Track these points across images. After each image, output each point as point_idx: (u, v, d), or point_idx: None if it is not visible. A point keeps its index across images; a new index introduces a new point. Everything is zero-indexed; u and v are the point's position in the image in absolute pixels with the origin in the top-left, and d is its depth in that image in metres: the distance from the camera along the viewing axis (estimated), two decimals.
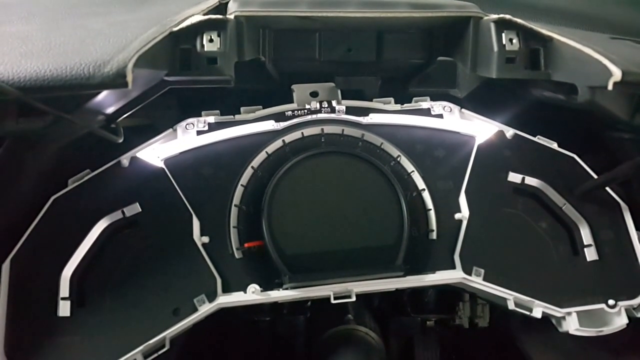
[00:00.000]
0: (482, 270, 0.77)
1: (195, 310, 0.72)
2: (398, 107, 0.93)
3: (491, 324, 0.98)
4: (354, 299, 0.74)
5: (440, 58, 0.96)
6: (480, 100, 0.96)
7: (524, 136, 0.86)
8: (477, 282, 0.76)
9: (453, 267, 0.78)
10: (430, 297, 1.03)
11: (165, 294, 0.73)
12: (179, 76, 0.73)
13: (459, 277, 0.76)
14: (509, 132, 0.86)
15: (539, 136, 0.91)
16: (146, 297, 0.73)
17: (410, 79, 1.03)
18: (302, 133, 0.84)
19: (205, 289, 0.73)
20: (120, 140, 0.78)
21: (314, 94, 0.94)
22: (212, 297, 0.73)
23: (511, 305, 0.76)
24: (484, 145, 0.86)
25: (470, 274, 0.77)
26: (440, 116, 0.88)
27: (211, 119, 0.84)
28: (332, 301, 0.74)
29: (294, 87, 0.94)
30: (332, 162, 0.86)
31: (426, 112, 0.92)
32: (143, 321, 0.71)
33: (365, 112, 0.87)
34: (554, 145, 0.87)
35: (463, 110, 0.92)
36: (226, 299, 0.73)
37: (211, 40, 0.75)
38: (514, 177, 0.83)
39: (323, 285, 0.74)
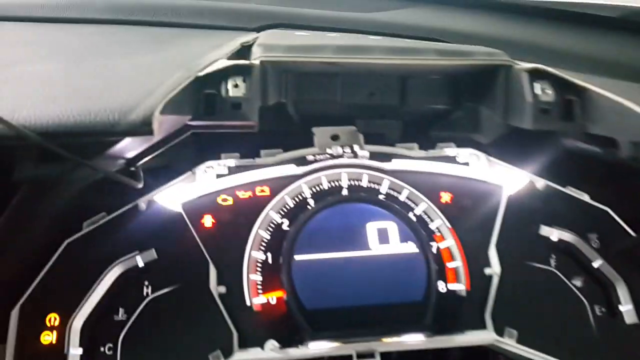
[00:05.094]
0: (515, 332, 0.72)
1: None
2: (422, 153, 0.90)
3: None
4: (378, 359, 0.69)
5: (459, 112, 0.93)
6: (506, 148, 0.93)
7: (555, 187, 0.82)
8: (510, 344, 0.71)
9: (484, 326, 0.73)
10: (455, 357, 0.97)
11: (179, 350, 0.69)
12: (203, 121, 0.71)
13: (491, 338, 0.72)
14: (540, 182, 0.82)
15: (569, 187, 0.86)
16: (159, 352, 0.68)
17: (434, 123, 1.01)
18: (324, 178, 0.80)
19: (220, 343, 0.69)
20: (140, 186, 0.75)
21: (334, 138, 0.92)
22: (228, 353, 0.68)
23: None
24: (514, 196, 0.82)
25: (502, 335, 0.71)
26: (466, 164, 0.84)
27: (231, 162, 0.82)
28: None
29: (314, 130, 0.92)
30: (355, 210, 0.82)
31: (452, 160, 0.89)
32: None
33: (388, 157, 0.84)
34: (586, 198, 0.83)
35: (490, 158, 0.89)
36: (243, 356, 0.69)
37: (236, 86, 0.73)
38: (547, 231, 0.79)
39: (346, 343, 0.70)
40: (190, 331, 0.69)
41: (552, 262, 0.78)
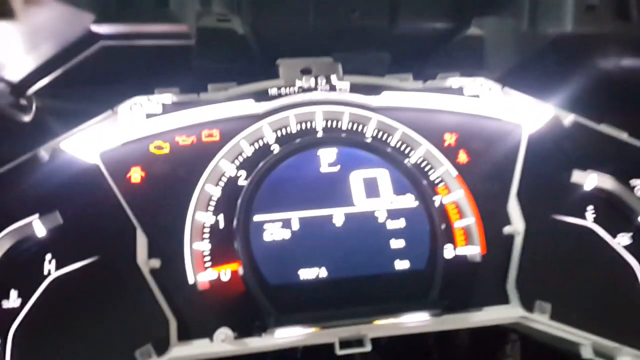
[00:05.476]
0: (548, 305, 0.55)
1: None
2: (419, 84, 0.72)
3: None
4: (368, 348, 0.55)
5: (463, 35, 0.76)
6: (523, 78, 0.75)
7: (587, 124, 0.70)
8: (541, 321, 0.57)
9: (506, 300, 0.59)
10: (463, 341, 0.79)
11: (93, 345, 0.53)
12: (114, 23, 0.49)
13: (516, 315, 0.58)
14: (567, 118, 0.66)
15: (603, 124, 0.71)
16: (65, 348, 0.53)
17: (428, 55, 0.81)
18: (292, 117, 0.66)
19: (153, 335, 0.53)
20: (28, 119, 0.54)
21: (305, 71, 0.72)
22: (162, 347, 0.53)
23: (587, 353, 0.57)
24: (536, 135, 0.69)
25: (531, 310, 0.57)
26: (476, 97, 0.70)
27: (166, 99, 0.67)
28: (338, 352, 0.54)
29: (279, 61, 0.73)
30: (333, 156, 0.64)
31: (457, 92, 0.72)
32: None
33: (375, 90, 0.70)
34: (624, 136, 0.71)
35: (506, 89, 0.70)
36: (183, 351, 0.54)
37: None
38: (580, 177, 0.66)
39: (325, 328, 0.55)
40: (110, 320, 0.54)
41: (589, 215, 0.65)
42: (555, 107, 0.70)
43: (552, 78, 0.73)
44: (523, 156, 0.67)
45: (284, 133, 0.67)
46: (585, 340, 0.57)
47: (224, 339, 0.54)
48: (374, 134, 0.67)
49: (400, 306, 0.55)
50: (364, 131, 0.68)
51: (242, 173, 0.63)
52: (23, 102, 0.54)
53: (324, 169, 0.63)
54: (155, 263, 0.57)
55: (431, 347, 0.77)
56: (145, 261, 0.57)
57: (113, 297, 0.55)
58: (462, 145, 0.67)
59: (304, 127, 0.67)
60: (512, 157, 0.67)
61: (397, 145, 0.67)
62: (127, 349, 0.52)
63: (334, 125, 0.68)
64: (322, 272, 0.57)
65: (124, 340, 0.53)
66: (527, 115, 0.70)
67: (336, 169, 0.63)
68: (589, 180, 0.66)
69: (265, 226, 0.59)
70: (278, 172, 0.62)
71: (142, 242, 0.58)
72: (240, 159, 0.64)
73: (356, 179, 0.63)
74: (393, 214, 0.61)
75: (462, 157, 0.67)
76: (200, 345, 0.54)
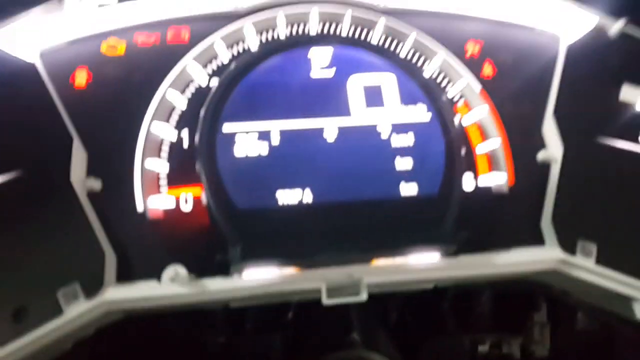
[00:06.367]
0: (594, 247, 0.43)
1: (57, 312, 0.42)
2: None
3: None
4: (364, 297, 0.44)
5: None
6: None
7: (636, 34, 0.59)
8: (585, 266, 0.47)
9: (540, 240, 0.49)
10: (484, 305, 0.66)
11: (9, 281, 0.42)
12: None
13: (554, 258, 0.47)
14: (614, 26, 0.58)
15: None
16: None
17: None
18: (282, 16, 0.55)
19: (82, 273, 0.43)
20: None
21: None
22: (93, 287, 0.43)
23: None
24: (577, 46, 0.58)
25: (573, 253, 0.47)
26: None
27: None
28: (325, 301, 0.44)
29: None
30: (327, 58, 0.52)
31: None
32: None
33: None
34: None
35: None
36: (119, 293, 0.43)
37: None
38: (631, 95, 0.55)
39: (307, 267, 0.43)
40: (35, 250, 0.44)
41: None
42: (600, 15, 0.58)
43: None
44: (561, 70, 0.56)
45: (270, 37, 0.54)
46: (638, 292, 0.45)
47: (174, 278, 0.42)
48: (381, 42, 0.55)
49: (404, 240, 0.44)
50: (369, 38, 0.55)
51: (216, 82, 0.51)
52: None
53: (316, 72, 0.51)
54: (95, 184, 0.48)
55: (445, 310, 0.65)
56: (81, 180, 0.47)
57: (40, 221, 0.45)
58: (487, 56, 0.58)
59: (296, 33, 0.55)
60: (548, 70, 0.57)
61: (409, 56, 0.54)
62: (50, 287, 0.43)
63: (331, 31, 0.56)
64: (307, 196, 0.45)
65: (50, 275, 0.43)
66: (565, 23, 0.59)
67: (330, 72, 0.51)
68: None
69: (237, 138, 0.47)
70: (257, 74, 0.50)
71: (79, 157, 0.48)
72: (214, 65, 0.53)
73: (355, 85, 0.51)
74: (399, 129, 0.49)
75: (488, 70, 0.57)
76: (143, 287, 0.44)
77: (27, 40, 0.52)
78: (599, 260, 0.47)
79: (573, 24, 0.60)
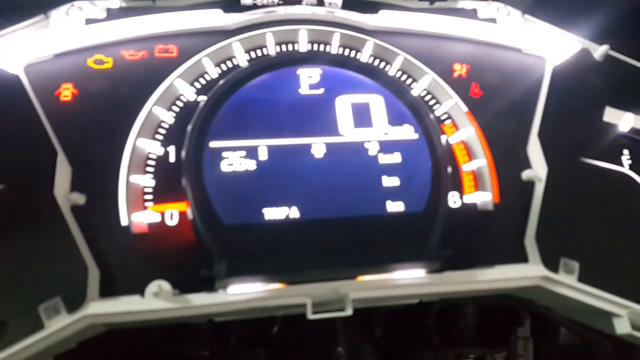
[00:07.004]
0: (577, 264, 0.45)
1: (39, 327, 0.41)
2: (425, 4, 0.63)
3: None
4: (349, 312, 0.44)
5: None
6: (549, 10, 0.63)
7: (620, 57, 0.60)
8: (567, 283, 0.47)
9: (523, 258, 0.49)
10: (468, 319, 0.66)
11: None
12: None
13: (537, 275, 0.48)
14: (599, 49, 0.58)
15: None
16: None
17: None
18: (270, 37, 0.56)
19: (65, 287, 0.42)
20: None
21: None
22: (75, 302, 0.42)
23: (623, 327, 0.47)
24: (562, 67, 0.59)
25: (556, 270, 0.48)
26: (492, 21, 0.62)
27: (113, 2, 0.57)
28: (309, 316, 0.44)
29: None
30: (316, 77, 0.53)
31: (470, 15, 0.62)
32: None
33: (373, 8, 0.60)
34: None
35: (526, 15, 0.59)
36: (102, 307, 0.42)
37: None
38: (614, 116, 0.57)
39: (293, 283, 0.44)
40: (17, 264, 0.43)
41: (624, 160, 0.56)
42: (584, 39, 0.59)
43: (581, 7, 0.61)
44: (546, 91, 0.57)
45: (259, 54, 0.55)
46: (621, 310, 0.46)
47: (157, 293, 0.41)
48: (369, 61, 0.56)
49: (390, 256, 0.44)
50: (357, 58, 0.56)
51: (204, 98, 0.51)
52: None
53: (305, 90, 0.51)
54: (79, 198, 0.47)
55: (430, 325, 0.65)
56: (64, 194, 0.46)
57: (22, 234, 0.44)
58: (474, 77, 0.58)
59: (284, 49, 0.56)
60: (534, 92, 0.58)
61: (397, 76, 0.55)
62: (32, 301, 0.41)
63: (321, 49, 0.57)
64: (293, 212, 0.45)
65: (31, 290, 0.43)
66: (551, 46, 0.60)
67: (319, 91, 0.52)
68: (625, 120, 0.55)
69: (225, 154, 0.47)
70: (245, 91, 0.50)
71: (63, 171, 0.47)
72: (203, 81, 0.53)
73: (343, 104, 0.51)
74: (387, 147, 0.49)
75: (474, 91, 0.57)
76: (126, 302, 0.43)
77: (12, 53, 0.52)
78: (581, 278, 0.47)
79: (559, 46, 0.60)
